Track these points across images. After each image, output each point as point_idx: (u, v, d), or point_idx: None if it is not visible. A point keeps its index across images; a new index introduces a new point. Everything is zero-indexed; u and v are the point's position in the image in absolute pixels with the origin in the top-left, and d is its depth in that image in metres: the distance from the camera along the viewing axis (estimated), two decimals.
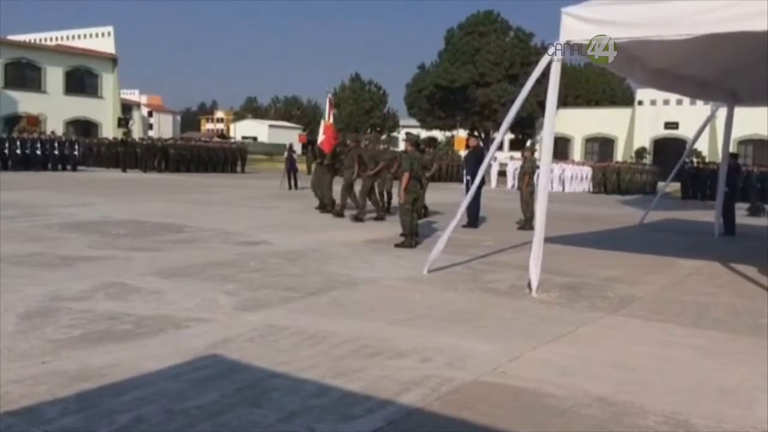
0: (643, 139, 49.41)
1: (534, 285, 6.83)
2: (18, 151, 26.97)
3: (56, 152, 28.20)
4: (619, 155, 47.86)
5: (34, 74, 42.83)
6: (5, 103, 40.16)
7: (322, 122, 14.99)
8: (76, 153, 29.09)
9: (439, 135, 59.06)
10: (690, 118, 41.25)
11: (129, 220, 11.59)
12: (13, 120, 39.02)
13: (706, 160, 34.81)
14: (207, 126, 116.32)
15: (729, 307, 6.71)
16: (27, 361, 4.13)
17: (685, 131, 43.61)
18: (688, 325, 5.87)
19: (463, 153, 31.22)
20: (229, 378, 3.99)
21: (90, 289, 6.11)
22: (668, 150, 42.87)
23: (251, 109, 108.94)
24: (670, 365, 4.65)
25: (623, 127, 50.92)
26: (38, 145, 27.70)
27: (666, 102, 46.23)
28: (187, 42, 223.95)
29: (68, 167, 28.23)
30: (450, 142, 53.97)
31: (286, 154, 23.60)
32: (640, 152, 47.87)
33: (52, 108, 41.67)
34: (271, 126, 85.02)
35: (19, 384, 3.72)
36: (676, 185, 27.55)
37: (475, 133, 42.07)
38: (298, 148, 32.69)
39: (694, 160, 32.33)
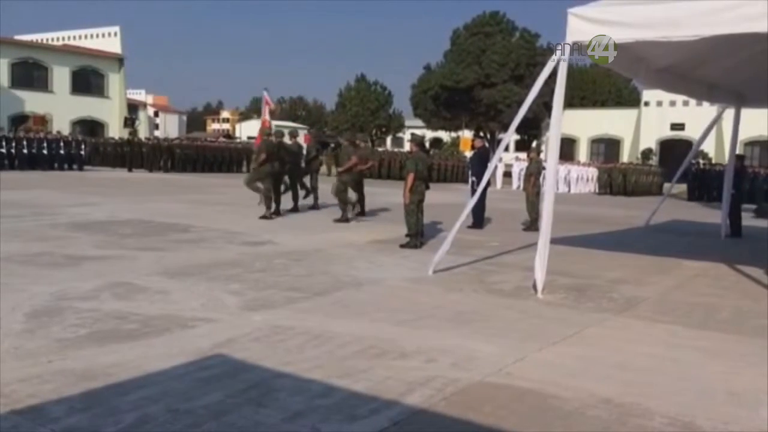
0: (649, 141, 49.33)
1: (539, 286, 6.82)
2: (24, 151, 27.04)
3: (62, 152, 28.23)
4: (625, 156, 47.78)
5: (40, 74, 42.94)
6: (12, 102, 40.27)
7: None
8: (82, 153, 29.12)
9: (444, 136, 59.04)
10: (696, 119, 41.08)
11: (135, 220, 11.61)
12: (19, 119, 39.13)
13: (713, 161, 34.71)
14: (213, 126, 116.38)
15: (735, 308, 6.69)
16: (33, 359, 4.15)
17: (692, 132, 43.46)
18: (694, 327, 5.86)
19: (468, 154, 31.20)
20: (234, 378, 4.00)
21: (96, 289, 6.13)
22: (674, 151, 42.80)
23: (257, 110, 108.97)
24: (675, 367, 4.64)
25: (629, 128, 50.85)
26: (44, 144, 27.76)
27: (672, 103, 46.14)
28: (193, 42, 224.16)
29: (74, 167, 28.26)
30: (455, 142, 53.94)
31: None
32: (646, 153, 47.81)
33: (59, 108, 41.75)
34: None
35: (26, 383, 3.74)
36: (682, 186, 27.47)
37: (481, 134, 41.84)
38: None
39: (701, 161, 32.23)
